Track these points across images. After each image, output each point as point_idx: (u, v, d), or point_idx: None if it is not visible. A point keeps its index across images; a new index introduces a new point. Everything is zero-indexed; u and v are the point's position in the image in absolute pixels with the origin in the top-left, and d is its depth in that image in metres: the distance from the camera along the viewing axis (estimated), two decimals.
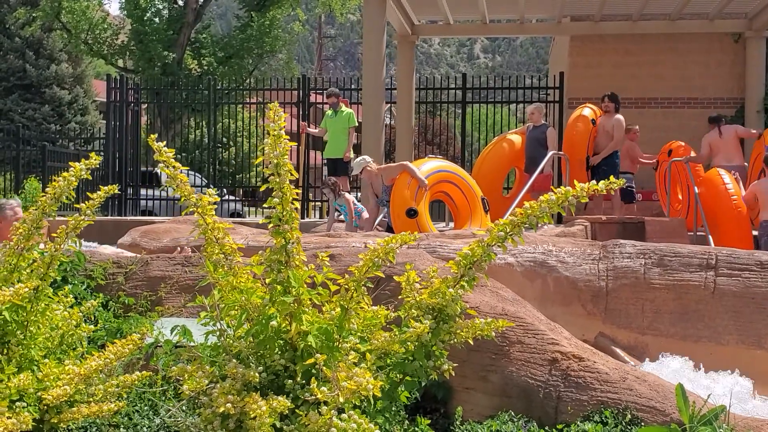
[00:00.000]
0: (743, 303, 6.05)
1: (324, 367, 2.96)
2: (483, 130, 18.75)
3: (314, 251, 4.68)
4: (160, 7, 30.73)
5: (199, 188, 16.46)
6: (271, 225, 3.17)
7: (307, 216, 14.38)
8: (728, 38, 16.25)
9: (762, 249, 9.69)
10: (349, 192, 10.97)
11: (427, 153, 19.06)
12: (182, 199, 3.35)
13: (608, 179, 9.96)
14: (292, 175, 3.11)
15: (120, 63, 31.32)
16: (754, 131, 12.91)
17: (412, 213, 9.75)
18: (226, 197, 19.64)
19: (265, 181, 3.12)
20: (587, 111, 12.30)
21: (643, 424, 3.71)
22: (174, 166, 3.32)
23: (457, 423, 3.95)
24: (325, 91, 13.85)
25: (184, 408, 3.64)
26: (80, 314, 3.70)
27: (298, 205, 3.18)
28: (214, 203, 3.40)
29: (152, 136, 3.34)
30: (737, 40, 16.17)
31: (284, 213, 3.12)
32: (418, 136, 20.68)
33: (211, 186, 17.10)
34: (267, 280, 3.24)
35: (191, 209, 3.34)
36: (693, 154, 12.49)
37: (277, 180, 3.09)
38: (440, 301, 3.43)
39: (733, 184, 10.96)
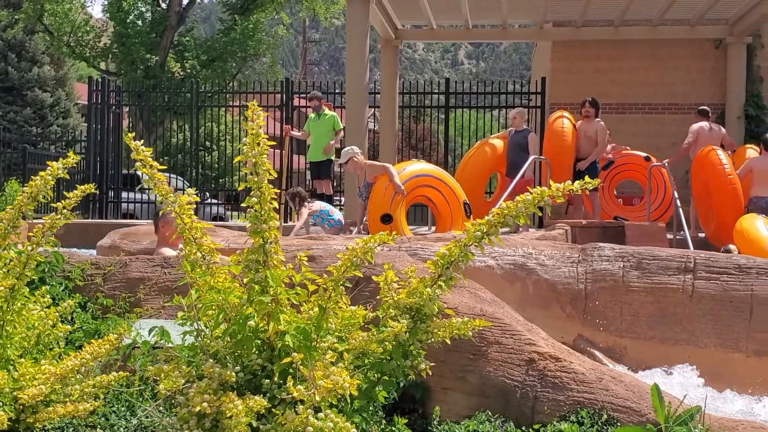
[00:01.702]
0: (721, 306, 6.09)
1: (301, 366, 2.97)
2: (467, 135, 18.82)
3: (294, 252, 4.69)
4: (143, 9, 30.65)
5: (181, 191, 16.40)
6: (249, 224, 3.18)
7: (291, 220, 14.34)
8: (709, 44, 16.35)
9: None
10: (309, 205, 10.90)
11: (411, 158, 19.11)
12: (160, 199, 3.35)
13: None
14: (270, 174, 3.11)
15: (102, 66, 31.22)
16: (734, 146, 13.05)
17: (386, 219, 9.79)
18: (209, 201, 19.59)
19: (218, 175, 3.13)
20: (566, 120, 12.38)
21: (619, 424, 3.73)
22: (151, 166, 3.32)
23: (435, 423, 3.96)
24: (308, 95, 13.87)
25: (161, 408, 3.64)
26: (57, 314, 3.69)
27: (276, 204, 3.18)
28: (193, 203, 3.40)
29: (129, 134, 3.35)
30: (718, 46, 16.28)
31: (262, 212, 3.13)
32: (402, 141, 20.72)
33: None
34: (245, 280, 3.24)
35: (168, 209, 3.34)
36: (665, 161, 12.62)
37: (256, 179, 3.10)
38: (418, 300, 3.44)
39: (729, 163, 11.46)
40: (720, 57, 16.23)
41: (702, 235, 12.07)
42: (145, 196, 18.02)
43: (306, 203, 10.67)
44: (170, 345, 3.90)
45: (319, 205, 11.03)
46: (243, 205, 3.16)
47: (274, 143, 3.10)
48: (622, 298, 6.28)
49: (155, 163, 3.35)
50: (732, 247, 9.79)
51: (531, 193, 3.44)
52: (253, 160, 3.06)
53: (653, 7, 15.08)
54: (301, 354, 3.00)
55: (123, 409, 3.96)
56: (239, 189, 4.42)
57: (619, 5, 14.96)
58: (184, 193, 3.39)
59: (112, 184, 17.42)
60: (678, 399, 3.68)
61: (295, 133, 13.75)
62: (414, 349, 3.48)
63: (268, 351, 3.23)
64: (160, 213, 6.27)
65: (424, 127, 24.39)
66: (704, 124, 12.65)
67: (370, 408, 3.49)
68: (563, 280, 6.47)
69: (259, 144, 3.06)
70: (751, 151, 12.24)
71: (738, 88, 15.90)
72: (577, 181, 3.40)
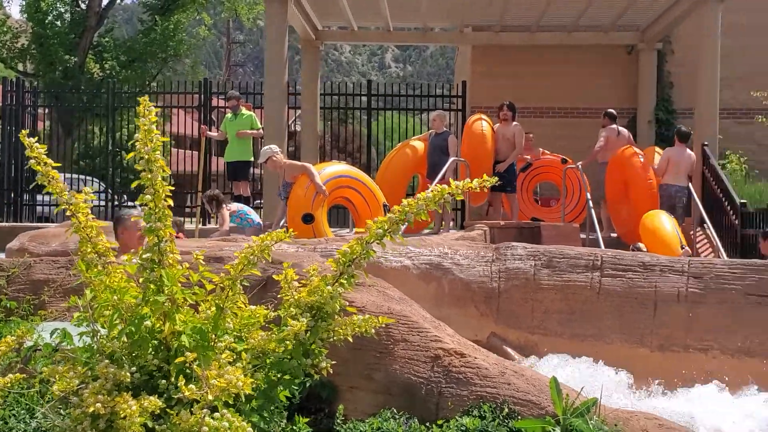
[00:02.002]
0: (627, 303, 6.26)
1: (195, 366, 2.94)
2: (395, 138, 18.90)
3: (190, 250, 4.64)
4: (62, 10, 29.96)
5: (100, 194, 16.20)
6: (143, 223, 3.14)
7: (209, 222, 14.19)
8: (622, 50, 16.73)
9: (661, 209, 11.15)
10: (228, 206, 10.80)
11: (340, 160, 19.07)
12: (54, 196, 3.28)
13: (509, 185, 10.19)
14: (164, 171, 3.07)
15: (20, 67, 30.40)
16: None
17: (308, 219, 9.74)
18: (127, 203, 19.23)
19: (137, 177, 3.08)
20: (485, 123, 12.55)
21: (520, 417, 3.79)
22: (45, 163, 3.25)
23: (339, 422, 3.96)
24: (226, 94, 13.72)
25: (59, 410, 3.57)
26: None
27: (171, 201, 3.14)
28: (89, 201, 3.33)
29: (23, 132, 3.27)
30: (630, 52, 16.67)
31: (157, 210, 3.09)
32: (330, 144, 20.69)
33: (110, 192, 16.78)
34: (140, 280, 3.20)
35: (63, 207, 3.27)
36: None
37: (149, 176, 3.06)
38: (319, 299, 3.44)
39: (648, 164, 12.15)
40: (632, 63, 16.62)
41: (614, 235, 12.39)
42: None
43: (224, 205, 10.55)
44: (70, 347, 3.83)
45: (236, 206, 10.92)
46: (137, 203, 3.12)
47: (167, 139, 3.06)
48: (533, 296, 6.40)
49: (49, 161, 3.27)
50: (641, 245, 10.08)
51: (432, 191, 3.47)
52: (146, 157, 3.02)
53: (568, 13, 15.38)
54: (194, 353, 2.97)
55: (22, 411, 3.88)
56: (132, 186, 4.33)
57: (536, 11, 15.21)
58: (98, 196, 3.32)
59: (27, 187, 16.98)
60: (576, 391, 3.76)
61: (212, 133, 13.60)
62: (315, 347, 3.47)
63: (165, 351, 3.19)
64: (119, 218, 6.14)
65: (353, 130, 24.39)
66: (613, 127, 13.01)
67: (271, 407, 3.47)
68: (478, 279, 6.55)
69: (152, 140, 3.02)
70: (657, 156, 12.62)
71: (649, 93, 16.31)
72: (476, 179, 3.45)
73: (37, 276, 5.23)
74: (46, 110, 19.94)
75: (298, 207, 9.99)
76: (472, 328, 6.21)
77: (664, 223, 10.62)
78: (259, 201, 15.32)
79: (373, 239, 3.49)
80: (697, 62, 13.30)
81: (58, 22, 29.42)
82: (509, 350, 6.26)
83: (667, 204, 11.49)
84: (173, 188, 3.18)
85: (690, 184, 11.95)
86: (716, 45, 12.83)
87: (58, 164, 3.35)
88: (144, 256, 3.12)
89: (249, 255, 3.24)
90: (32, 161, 3.25)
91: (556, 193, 14.72)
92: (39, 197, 17.44)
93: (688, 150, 12.18)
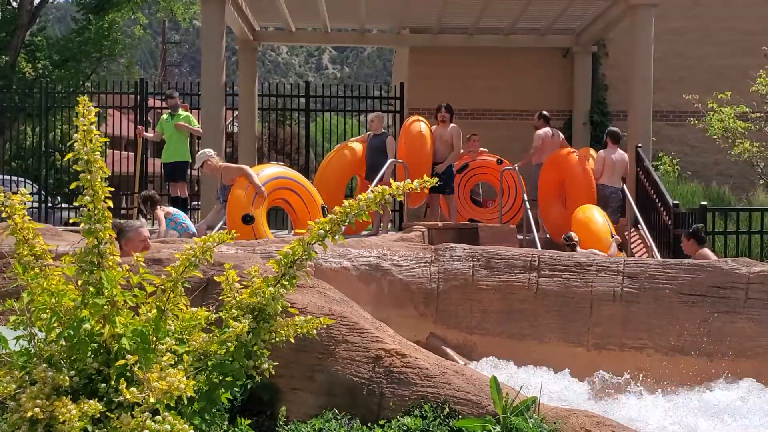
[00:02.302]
0: (564, 302, 6.36)
1: (136, 369, 2.91)
2: (333, 140, 18.87)
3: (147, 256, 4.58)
4: None
5: (33, 195, 15.86)
6: (82, 224, 3.09)
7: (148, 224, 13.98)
8: (557, 53, 16.97)
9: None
10: (164, 208, 10.69)
11: (278, 161, 18.98)
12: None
13: (447, 186, 10.26)
14: (103, 171, 3.04)
15: None
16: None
17: (248, 219, 9.67)
18: (60, 205, 18.88)
19: (71, 178, 3.04)
20: (423, 124, 12.61)
21: (460, 416, 3.83)
22: None
23: (281, 423, 3.96)
24: (164, 93, 13.54)
25: None
26: None
27: (110, 203, 3.11)
28: (26, 203, 3.28)
29: None
30: (566, 55, 16.92)
31: (96, 211, 3.05)
32: (269, 145, 20.58)
33: (44, 193, 16.44)
34: (79, 282, 3.15)
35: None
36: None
37: (89, 177, 3.02)
38: (260, 300, 3.43)
39: (586, 163, 12.43)
40: (567, 65, 16.88)
41: (547, 236, 12.56)
42: None
43: (158, 206, 10.41)
44: (5, 351, 3.75)
45: (172, 210, 10.78)
46: (75, 204, 3.07)
47: (107, 140, 3.02)
48: (472, 296, 6.46)
49: None
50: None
51: (372, 192, 3.49)
52: (86, 158, 2.98)
53: (505, 16, 15.54)
54: (135, 356, 2.94)
55: None
56: (70, 187, 4.25)
57: (473, 14, 15.33)
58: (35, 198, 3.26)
59: None
60: (515, 390, 3.81)
61: (148, 134, 13.42)
62: (257, 349, 3.46)
63: (105, 354, 3.15)
64: (122, 230, 6.05)
65: (291, 131, 24.30)
66: (548, 129, 13.24)
67: (213, 410, 3.45)
68: (417, 279, 6.60)
69: (91, 141, 2.98)
70: (591, 158, 12.86)
71: (584, 96, 16.58)
72: (416, 180, 3.48)
73: None
74: None
75: (238, 208, 9.91)
76: (412, 329, 6.24)
77: (595, 214, 10.86)
78: (196, 202, 15.17)
79: (315, 240, 3.49)
80: (630, 65, 13.56)
81: None
82: (448, 350, 6.31)
83: (602, 204, 11.74)
84: (112, 189, 3.14)
85: (624, 185, 12.20)
86: (649, 49, 13.10)
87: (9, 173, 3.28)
88: (84, 258, 3.08)
89: (190, 256, 3.22)
90: None
91: (492, 194, 14.87)
92: None
93: (621, 151, 12.46)
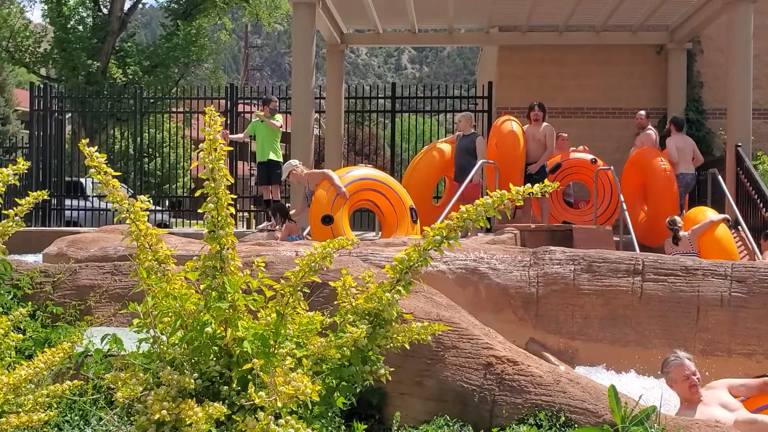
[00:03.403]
0: (669, 307, 6.21)
1: (261, 373, 2.93)
2: (412, 140, 18.87)
3: (249, 258, 4.64)
4: (84, 15, 30.16)
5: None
6: (206, 230, 3.13)
7: (234, 226, 14.20)
8: (651, 50, 16.63)
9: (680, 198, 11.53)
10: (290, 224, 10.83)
11: (356, 163, 19.07)
12: (114, 205, 3.28)
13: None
14: (228, 180, 3.07)
15: (42, 71, 30.62)
16: None
17: (327, 220, 9.77)
18: (152, 208, 19.35)
19: (198, 187, 3.08)
20: (515, 124, 12.45)
21: (576, 425, 3.75)
22: (106, 172, 3.26)
23: (395, 429, 3.94)
24: (264, 97, 13.68)
25: (116, 416, 3.57)
26: (8, 323, 3.59)
27: (233, 210, 3.14)
28: (146, 210, 3.34)
29: (83, 141, 3.29)
30: (659, 52, 16.56)
31: (219, 218, 3.09)
32: (347, 146, 20.70)
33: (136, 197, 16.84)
34: (202, 287, 3.19)
35: (123, 215, 3.27)
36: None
37: (213, 185, 3.05)
38: (376, 305, 3.42)
39: (665, 160, 12.21)
40: (661, 62, 16.52)
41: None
42: (89, 204, 17.70)
43: (288, 220, 10.59)
44: (124, 353, 3.83)
45: (297, 229, 10.83)
46: (200, 211, 3.11)
47: (231, 149, 3.06)
48: (573, 301, 6.36)
49: (110, 170, 3.28)
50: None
51: (491, 197, 3.44)
52: (210, 166, 3.02)
53: (597, 13, 15.31)
54: (261, 360, 2.96)
55: (76, 418, 3.87)
56: (196, 195, 4.36)
57: (564, 11, 15.15)
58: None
59: (55, 191, 17.09)
60: (634, 399, 3.72)
61: (234, 135, 13.62)
62: (373, 354, 3.46)
63: (226, 357, 3.19)
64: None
65: (369, 132, 24.43)
66: (651, 131, 13.12)
67: (329, 414, 3.46)
68: (515, 283, 6.52)
69: (216, 149, 3.02)
70: None
71: (678, 94, 16.19)
72: (537, 185, 3.42)
73: (83, 282, 5.24)
74: (69, 114, 20.06)
75: (319, 209, 10.02)
76: (510, 334, 6.15)
77: (710, 215, 10.55)
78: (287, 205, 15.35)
79: (431, 246, 3.46)
80: (727, 63, 13.20)
81: (80, 27, 29.62)
82: (549, 356, 6.22)
83: (684, 193, 11.61)
84: (234, 197, 3.17)
85: (714, 170, 12.28)
86: (748, 46, 12.73)
87: (118, 173, 3.35)
88: (207, 263, 3.12)
89: (311, 262, 3.23)
90: (92, 170, 3.26)
91: (584, 195, 14.61)
92: (67, 202, 17.55)
93: (685, 135, 12.55)
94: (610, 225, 11.98)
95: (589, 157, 13.60)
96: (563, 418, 3.78)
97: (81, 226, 15.91)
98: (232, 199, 3.16)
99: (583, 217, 13.50)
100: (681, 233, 10.13)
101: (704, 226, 10.17)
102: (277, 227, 10.88)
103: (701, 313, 6.14)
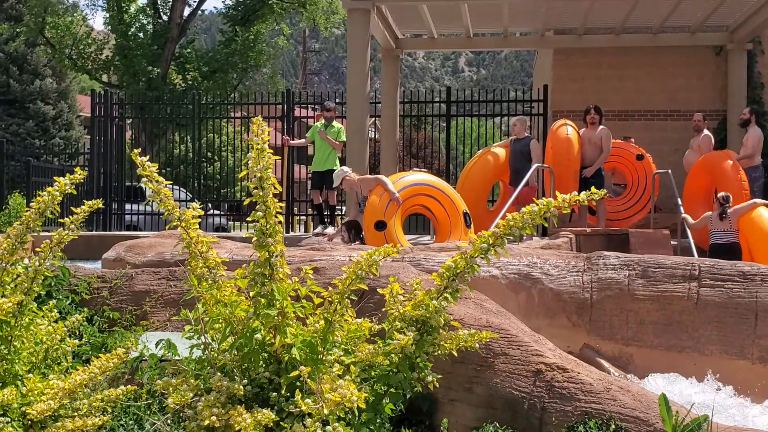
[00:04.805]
0: (726, 313, 6.09)
1: (308, 380, 2.97)
2: (468, 144, 18.83)
3: (298, 265, 4.70)
4: (145, 22, 30.74)
5: (183, 203, 16.56)
6: (254, 238, 3.18)
7: (292, 230, 14.34)
8: (710, 51, 16.35)
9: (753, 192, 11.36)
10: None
11: (412, 167, 19.07)
12: (166, 214, 3.36)
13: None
14: (275, 188, 3.12)
15: (104, 78, 31.29)
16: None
17: (380, 225, 9.80)
18: (211, 212, 19.62)
19: (249, 194, 3.14)
20: (570, 128, 12.32)
21: None
22: (157, 181, 3.33)
23: None
24: (324, 103, 13.80)
25: (168, 422, 3.64)
26: (65, 329, 3.69)
27: (281, 218, 3.19)
28: (198, 217, 3.41)
29: (135, 150, 3.36)
30: (719, 53, 16.27)
31: (268, 226, 3.14)
32: (402, 150, 20.74)
33: (196, 200, 17.10)
34: (251, 294, 3.24)
35: (174, 223, 3.34)
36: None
37: (261, 194, 3.10)
38: (424, 312, 3.44)
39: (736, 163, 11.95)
40: (720, 63, 16.23)
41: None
42: (148, 208, 18.04)
43: (361, 242, 10.65)
44: (177, 358, 3.90)
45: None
46: (249, 219, 3.17)
47: (279, 157, 3.10)
48: (627, 307, 6.27)
49: (161, 178, 3.36)
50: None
51: (537, 204, 3.43)
52: (259, 174, 3.07)
53: (654, 14, 15.11)
54: (308, 367, 3.00)
55: (131, 422, 3.96)
56: (245, 203, 4.42)
57: (620, 13, 14.98)
58: (188, 206, 3.39)
59: (115, 196, 17.46)
60: (685, 408, 3.68)
61: (295, 141, 13.73)
62: (421, 361, 3.47)
63: (275, 364, 3.23)
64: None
65: (425, 136, 24.43)
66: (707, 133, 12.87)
67: (377, 420, 3.48)
68: (569, 289, 6.47)
69: (264, 158, 3.07)
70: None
71: (739, 95, 15.86)
72: (583, 192, 3.40)
73: (139, 287, 5.35)
74: (130, 120, 20.48)
75: (372, 214, 10.06)
76: (564, 339, 6.13)
77: None
78: (341, 209, 15.44)
79: (478, 254, 3.47)
80: None
81: (141, 34, 30.19)
82: (603, 362, 6.16)
83: (757, 184, 11.49)
84: (282, 204, 3.22)
85: None
86: None
87: (170, 182, 3.42)
88: (255, 270, 3.17)
89: (357, 269, 3.26)
90: (144, 179, 3.34)
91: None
92: (127, 206, 17.91)
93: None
94: (636, 221, 11.79)
95: (634, 150, 13.34)
96: (613, 427, 3.75)
97: (141, 230, 16.23)
98: (288, 203, 3.21)
99: (616, 208, 13.22)
100: (728, 210, 10.11)
101: (745, 206, 10.15)
102: (352, 244, 10.92)
103: (759, 319, 6.00)
